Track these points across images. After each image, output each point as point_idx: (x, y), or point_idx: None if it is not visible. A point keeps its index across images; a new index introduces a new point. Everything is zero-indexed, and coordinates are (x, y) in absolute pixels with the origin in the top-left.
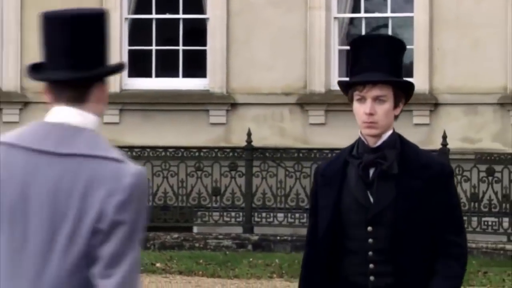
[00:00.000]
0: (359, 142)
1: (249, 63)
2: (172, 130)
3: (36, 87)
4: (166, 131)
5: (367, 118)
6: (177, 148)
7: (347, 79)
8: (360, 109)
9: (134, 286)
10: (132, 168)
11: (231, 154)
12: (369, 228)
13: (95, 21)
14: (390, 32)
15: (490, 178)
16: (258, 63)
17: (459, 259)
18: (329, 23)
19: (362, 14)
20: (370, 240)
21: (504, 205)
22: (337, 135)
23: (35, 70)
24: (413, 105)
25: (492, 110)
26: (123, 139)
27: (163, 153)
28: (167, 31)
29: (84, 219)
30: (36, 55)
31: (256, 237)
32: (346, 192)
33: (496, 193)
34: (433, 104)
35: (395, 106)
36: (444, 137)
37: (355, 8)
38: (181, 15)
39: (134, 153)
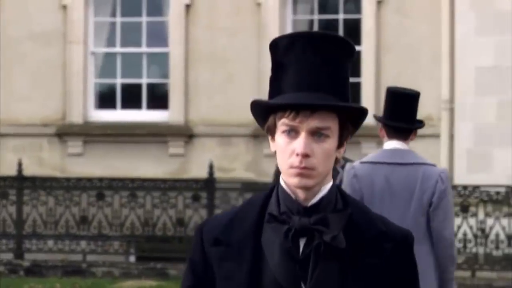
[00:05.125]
0: (280, 195)
1: (9, 95)
2: None
3: None
4: None
5: (299, 161)
6: None
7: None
8: (288, 147)
9: (453, 237)
10: (441, 168)
11: (1, 183)
12: None
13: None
14: (145, 66)
15: None
16: (17, 95)
17: None
18: (86, 57)
19: (117, 49)
20: None
21: None
22: (95, 165)
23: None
24: (169, 136)
25: (245, 141)
26: None
27: None
28: None
29: (425, 194)
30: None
31: (27, 263)
32: (264, 273)
33: None
34: (188, 135)
35: (340, 144)
36: (211, 167)
37: (111, 43)
38: None
39: None
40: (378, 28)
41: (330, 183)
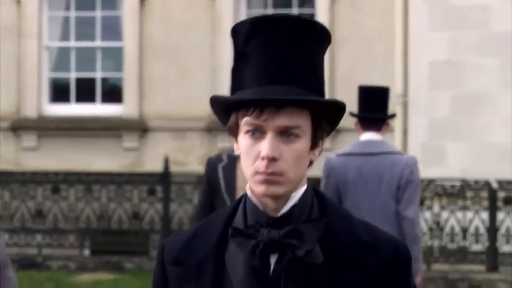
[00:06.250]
0: (247, 206)
1: None
2: None
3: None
4: None
5: (265, 165)
6: None
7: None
8: (253, 149)
9: (418, 217)
10: (408, 156)
11: None
12: None
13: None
14: (99, 60)
15: None
16: None
17: None
18: (40, 52)
19: (72, 43)
20: None
21: None
22: (49, 159)
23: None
24: (123, 130)
25: (200, 135)
26: None
27: None
28: None
29: (393, 178)
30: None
31: None
32: None
33: None
34: (142, 129)
35: (314, 145)
36: (166, 161)
37: (65, 37)
38: None
39: None
40: (332, 22)
41: (303, 188)
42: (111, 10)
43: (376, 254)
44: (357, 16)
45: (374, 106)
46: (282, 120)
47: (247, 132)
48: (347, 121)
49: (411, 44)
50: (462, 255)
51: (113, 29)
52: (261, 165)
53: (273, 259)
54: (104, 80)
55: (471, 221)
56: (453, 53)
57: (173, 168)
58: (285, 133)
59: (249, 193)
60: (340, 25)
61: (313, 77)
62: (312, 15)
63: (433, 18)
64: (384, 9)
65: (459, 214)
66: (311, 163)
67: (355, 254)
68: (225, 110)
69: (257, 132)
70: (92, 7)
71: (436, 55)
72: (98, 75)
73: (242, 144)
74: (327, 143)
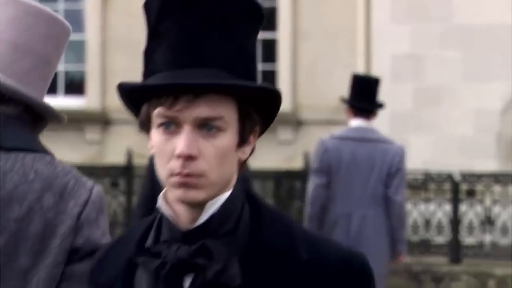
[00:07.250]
0: (162, 219)
1: None
2: None
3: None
4: None
5: (181, 165)
6: None
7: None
8: (167, 145)
9: (403, 201)
10: (397, 145)
11: None
12: None
13: None
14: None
15: None
16: None
17: None
18: None
19: None
20: None
21: None
22: None
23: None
24: (85, 122)
25: None
26: None
27: None
28: None
29: (384, 165)
30: None
31: None
32: None
33: None
34: (105, 122)
35: (242, 141)
36: (129, 155)
37: None
38: None
39: None
40: (294, 15)
41: (227, 194)
42: (73, 3)
43: (316, 275)
44: (319, 9)
45: (366, 95)
46: (201, 110)
47: (160, 125)
48: (312, 113)
49: (373, 37)
50: (425, 247)
51: (75, 22)
52: (176, 165)
53: (188, 281)
54: (66, 73)
55: (434, 214)
56: (416, 46)
57: (136, 161)
58: (205, 126)
59: (160, 201)
60: (303, 18)
61: (240, 59)
62: (274, 8)
63: (396, 11)
64: (346, 2)
65: (422, 207)
66: (241, 163)
67: (291, 274)
68: (133, 100)
69: (171, 126)
70: (54, 0)
71: (398, 48)
72: (60, 67)
73: (155, 140)
74: (288, 135)
